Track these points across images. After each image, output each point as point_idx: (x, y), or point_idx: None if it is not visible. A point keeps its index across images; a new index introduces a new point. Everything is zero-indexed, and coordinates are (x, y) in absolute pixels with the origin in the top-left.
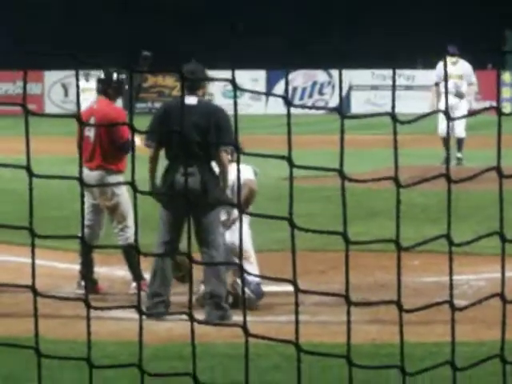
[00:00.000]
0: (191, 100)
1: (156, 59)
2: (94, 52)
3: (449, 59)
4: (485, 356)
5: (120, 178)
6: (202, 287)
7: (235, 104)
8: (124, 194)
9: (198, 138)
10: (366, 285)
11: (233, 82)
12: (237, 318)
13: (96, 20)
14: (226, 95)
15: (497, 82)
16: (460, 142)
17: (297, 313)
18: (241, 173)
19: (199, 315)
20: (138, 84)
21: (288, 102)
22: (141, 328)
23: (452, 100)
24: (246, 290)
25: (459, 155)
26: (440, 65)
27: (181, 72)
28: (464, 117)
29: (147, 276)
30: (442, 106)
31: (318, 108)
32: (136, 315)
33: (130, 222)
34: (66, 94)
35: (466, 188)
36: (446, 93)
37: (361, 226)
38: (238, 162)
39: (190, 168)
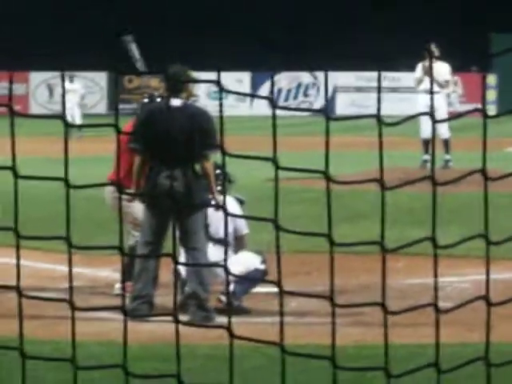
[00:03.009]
0: (175, 102)
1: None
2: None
3: (427, 60)
4: (467, 358)
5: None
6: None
7: (221, 105)
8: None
9: (182, 141)
10: (351, 287)
11: (218, 83)
12: (220, 319)
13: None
14: (210, 96)
15: (482, 85)
16: (446, 143)
17: (282, 314)
18: (232, 220)
19: (182, 317)
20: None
21: (273, 104)
22: (125, 329)
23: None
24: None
25: (447, 157)
26: (419, 67)
27: (166, 74)
28: (449, 119)
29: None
30: (421, 107)
31: (303, 110)
32: (119, 316)
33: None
34: (51, 94)
35: (451, 190)
36: (432, 94)
37: (345, 228)
38: (224, 165)
39: (173, 170)
